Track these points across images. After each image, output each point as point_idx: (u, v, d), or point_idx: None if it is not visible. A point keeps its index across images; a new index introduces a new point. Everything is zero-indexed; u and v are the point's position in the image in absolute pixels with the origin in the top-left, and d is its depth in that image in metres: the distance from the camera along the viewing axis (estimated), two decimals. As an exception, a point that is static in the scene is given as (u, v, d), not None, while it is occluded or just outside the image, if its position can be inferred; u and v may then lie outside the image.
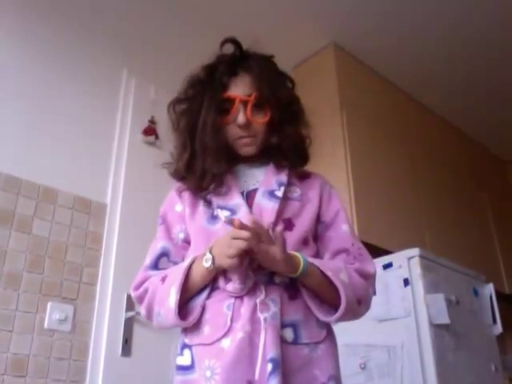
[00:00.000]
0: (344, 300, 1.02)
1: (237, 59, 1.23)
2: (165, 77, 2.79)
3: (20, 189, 2.06)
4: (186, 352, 1.07)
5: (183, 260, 1.14)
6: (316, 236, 1.18)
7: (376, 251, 2.44)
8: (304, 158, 1.24)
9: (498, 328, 2.34)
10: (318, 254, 1.16)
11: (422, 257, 2.13)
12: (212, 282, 1.07)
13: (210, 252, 1.04)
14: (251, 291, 1.02)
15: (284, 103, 1.20)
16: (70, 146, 2.29)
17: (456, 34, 2.88)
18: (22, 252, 1.98)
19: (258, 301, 1.01)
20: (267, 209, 1.11)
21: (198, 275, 1.06)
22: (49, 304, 1.98)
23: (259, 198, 1.13)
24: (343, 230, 1.17)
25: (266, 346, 0.96)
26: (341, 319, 1.06)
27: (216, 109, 1.16)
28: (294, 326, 1.03)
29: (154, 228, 1.24)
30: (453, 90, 3.32)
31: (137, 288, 1.15)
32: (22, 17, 2.33)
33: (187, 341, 1.08)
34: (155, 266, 1.16)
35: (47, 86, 2.31)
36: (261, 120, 1.18)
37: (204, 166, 1.15)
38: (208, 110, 1.16)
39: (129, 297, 2.21)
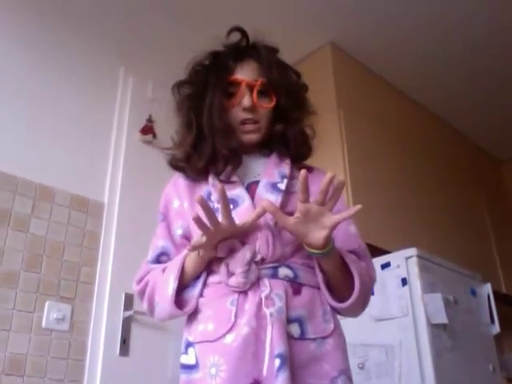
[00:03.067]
0: (358, 286, 1.01)
1: (243, 46, 1.23)
2: (162, 75, 2.78)
3: (17, 187, 2.05)
4: (191, 350, 1.04)
5: None
6: None
7: (374, 251, 2.44)
8: (307, 148, 1.22)
9: (496, 328, 2.34)
10: None
11: (419, 257, 2.13)
12: (211, 276, 1.06)
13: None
14: (255, 286, 1.00)
15: (290, 90, 1.20)
16: (68, 144, 2.28)
17: (456, 35, 2.89)
18: (19, 251, 1.98)
19: (263, 295, 0.99)
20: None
21: (189, 264, 1.06)
22: (46, 303, 1.97)
23: (261, 191, 1.11)
24: (350, 231, 1.16)
25: (273, 341, 0.94)
26: (351, 309, 1.05)
27: (221, 91, 1.15)
28: (300, 321, 1.00)
29: (151, 227, 1.23)
30: (451, 90, 3.32)
31: (138, 282, 1.15)
32: (18, 14, 2.33)
33: (191, 339, 1.06)
34: (157, 261, 1.16)
35: (44, 85, 2.30)
36: (266, 105, 1.17)
37: (214, 146, 1.13)
38: (214, 92, 1.15)
39: (127, 296, 2.21)
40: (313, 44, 2.96)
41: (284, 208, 1.08)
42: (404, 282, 2.09)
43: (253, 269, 1.00)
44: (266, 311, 0.97)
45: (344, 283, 1.05)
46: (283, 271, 1.03)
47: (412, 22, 2.81)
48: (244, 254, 1.00)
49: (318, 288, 1.07)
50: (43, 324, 1.94)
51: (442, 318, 2.00)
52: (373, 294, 1.99)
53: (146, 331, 2.20)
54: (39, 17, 2.39)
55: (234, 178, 1.13)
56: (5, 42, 2.24)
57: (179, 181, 1.20)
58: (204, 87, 1.17)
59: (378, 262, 2.22)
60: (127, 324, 2.17)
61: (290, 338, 0.97)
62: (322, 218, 1.01)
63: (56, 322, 1.96)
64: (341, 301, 1.05)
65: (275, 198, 1.08)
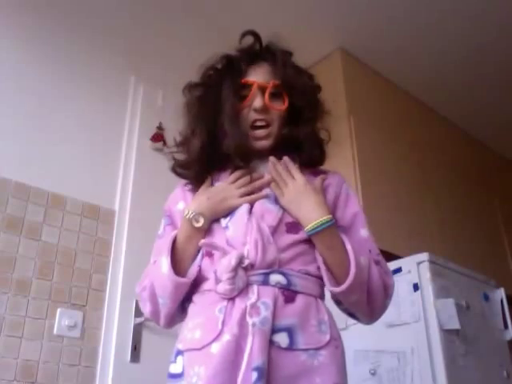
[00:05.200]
0: (353, 268, 0.99)
1: (256, 49, 1.22)
2: (172, 83, 2.80)
3: (29, 196, 2.07)
4: (179, 359, 1.02)
5: None
6: None
7: (385, 256, 2.42)
8: (321, 151, 1.20)
9: (510, 333, 2.32)
10: None
11: (431, 262, 2.11)
12: (205, 283, 1.05)
13: (193, 211, 1.06)
14: (243, 293, 0.98)
15: (302, 92, 1.18)
16: (79, 152, 2.30)
17: (464, 38, 2.88)
18: (31, 258, 1.99)
19: (248, 304, 0.96)
20: (271, 212, 1.07)
21: (185, 241, 1.07)
22: (58, 310, 1.98)
23: (262, 201, 1.09)
24: (361, 235, 1.13)
25: (253, 353, 0.91)
26: (349, 297, 1.02)
27: (234, 94, 1.14)
28: (290, 331, 0.96)
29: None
30: (462, 93, 3.31)
31: (140, 288, 1.16)
32: (32, 22, 2.36)
33: (180, 346, 1.04)
34: None
35: (56, 94, 2.32)
36: (278, 107, 1.15)
37: (221, 150, 1.12)
38: (227, 95, 1.14)
39: (138, 303, 2.21)
40: (322, 50, 2.97)
41: (285, 218, 1.07)
42: (416, 287, 2.07)
43: (240, 275, 0.97)
44: (249, 321, 0.94)
45: (343, 275, 1.01)
46: (275, 278, 1.00)
47: (420, 26, 2.80)
48: (229, 260, 0.97)
49: (316, 297, 1.04)
50: (55, 331, 1.95)
51: (455, 324, 1.98)
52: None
53: (156, 338, 2.20)
54: (52, 26, 2.42)
55: None
56: (19, 51, 2.27)
57: (186, 186, 1.21)
58: (216, 90, 1.16)
59: (389, 267, 2.21)
60: (138, 330, 2.17)
61: (276, 348, 0.94)
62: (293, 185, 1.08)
63: (67, 329, 1.97)
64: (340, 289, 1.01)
65: (277, 210, 1.08)
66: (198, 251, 1.08)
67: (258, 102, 1.13)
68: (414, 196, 2.92)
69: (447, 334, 1.98)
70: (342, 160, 2.67)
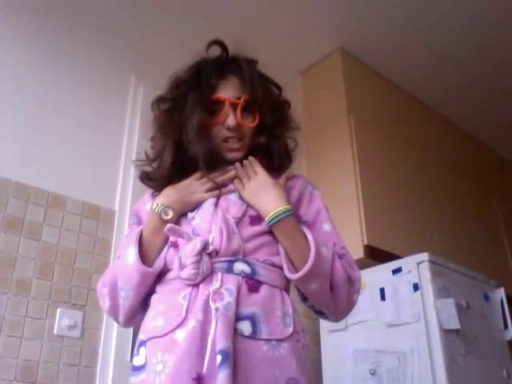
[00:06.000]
0: (313, 255, 1.00)
1: (224, 61, 1.23)
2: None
3: (29, 196, 2.07)
4: (142, 350, 1.02)
5: None
6: None
7: (385, 256, 2.43)
8: (289, 160, 1.23)
9: (510, 333, 2.32)
10: None
11: (431, 262, 2.11)
12: (169, 273, 1.06)
13: (162, 204, 1.09)
14: (208, 280, 0.99)
15: (273, 106, 1.20)
16: (79, 152, 2.30)
17: (465, 38, 2.89)
18: (31, 259, 1.99)
19: (211, 290, 0.97)
20: (235, 205, 1.10)
21: (152, 233, 1.08)
22: (58, 310, 1.98)
23: (228, 195, 1.13)
24: (324, 230, 1.15)
25: (216, 337, 0.91)
26: (307, 282, 1.02)
27: (203, 110, 1.14)
28: (252, 319, 0.97)
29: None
30: (462, 93, 3.31)
31: (99, 284, 1.16)
32: (32, 21, 2.36)
33: (143, 336, 1.03)
34: None
35: (56, 94, 2.32)
36: (250, 124, 1.17)
37: (197, 159, 1.13)
38: (194, 110, 1.14)
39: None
40: (322, 50, 2.97)
41: (248, 211, 1.10)
42: (416, 287, 2.07)
43: (205, 260, 0.99)
44: (212, 305, 0.95)
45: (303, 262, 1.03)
46: (239, 266, 1.01)
47: (420, 26, 2.80)
48: (194, 245, 0.99)
49: (281, 289, 1.05)
50: (55, 331, 1.95)
51: (455, 324, 1.98)
52: (384, 299, 1.97)
53: (157, 338, 2.21)
54: (52, 26, 2.42)
55: None
56: (19, 51, 2.27)
57: (154, 194, 1.22)
58: (184, 103, 1.16)
59: (389, 267, 2.21)
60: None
61: (240, 335, 0.94)
62: (255, 180, 1.11)
63: (67, 329, 1.97)
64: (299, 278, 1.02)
65: (241, 203, 1.11)
66: (165, 244, 1.10)
67: (231, 121, 1.14)
68: (414, 196, 2.91)
69: (447, 333, 1.98)
70: (342, 159, 2.67)
